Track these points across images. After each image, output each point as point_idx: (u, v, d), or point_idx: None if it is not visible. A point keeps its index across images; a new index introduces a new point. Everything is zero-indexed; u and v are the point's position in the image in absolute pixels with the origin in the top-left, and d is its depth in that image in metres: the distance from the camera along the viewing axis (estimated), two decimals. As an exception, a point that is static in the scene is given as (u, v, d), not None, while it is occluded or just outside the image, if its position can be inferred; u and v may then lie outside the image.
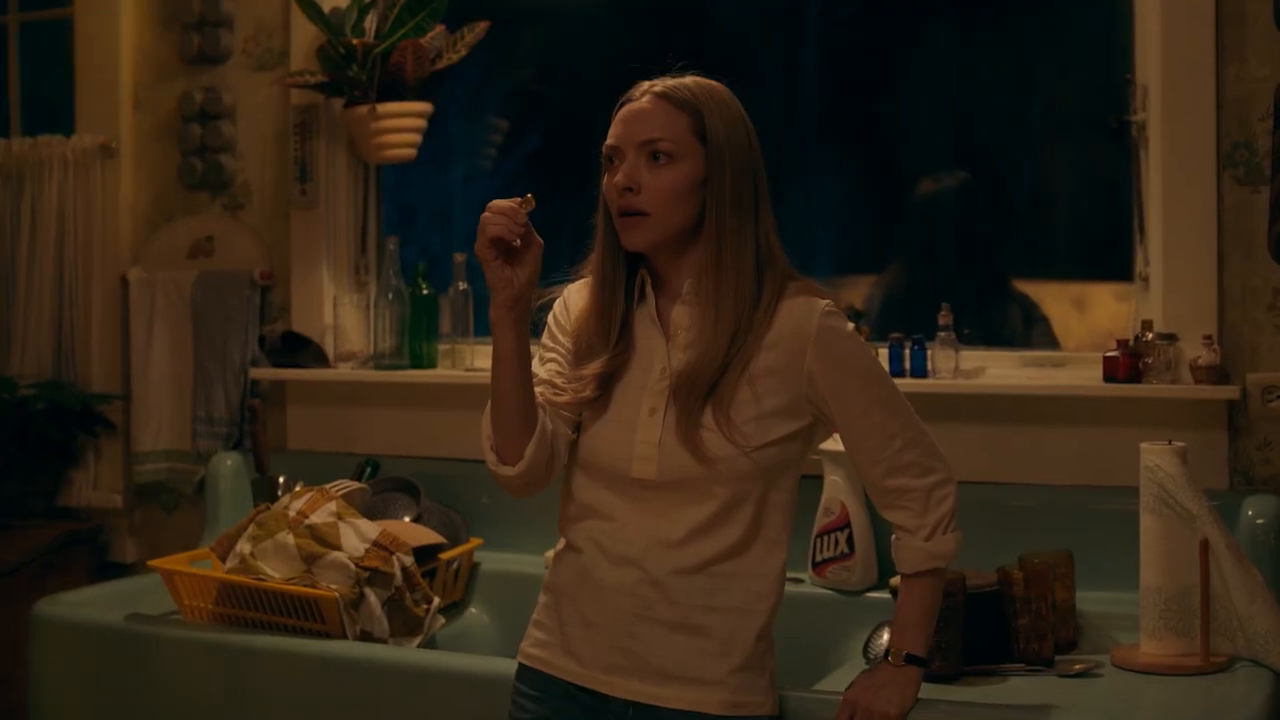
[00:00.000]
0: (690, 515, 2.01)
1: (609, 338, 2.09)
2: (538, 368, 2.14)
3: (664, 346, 2.06)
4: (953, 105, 3.33)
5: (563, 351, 2.16)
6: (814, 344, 2.00)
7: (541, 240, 2.01)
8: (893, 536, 2.10)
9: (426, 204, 3.89)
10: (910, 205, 3.37)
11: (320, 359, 3.62)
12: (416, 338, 3.52)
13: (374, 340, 3.57)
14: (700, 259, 2.04)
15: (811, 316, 2.01)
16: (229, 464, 3.60)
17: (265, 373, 3.68)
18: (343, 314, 3.65)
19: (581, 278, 2.18)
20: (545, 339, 2.20)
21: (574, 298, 2.18)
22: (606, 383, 2.09)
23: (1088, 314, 3.20)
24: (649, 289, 2.10)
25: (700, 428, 1.98)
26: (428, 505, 3.24)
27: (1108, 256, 3.12)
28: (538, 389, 2.09)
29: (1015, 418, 2.96)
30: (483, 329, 3.38)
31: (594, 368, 2.09)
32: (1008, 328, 3.27)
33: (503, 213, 1.97)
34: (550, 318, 2.20)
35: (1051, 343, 3.21)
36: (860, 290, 3.38)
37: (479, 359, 3.47)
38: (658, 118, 2.02)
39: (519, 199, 2.00)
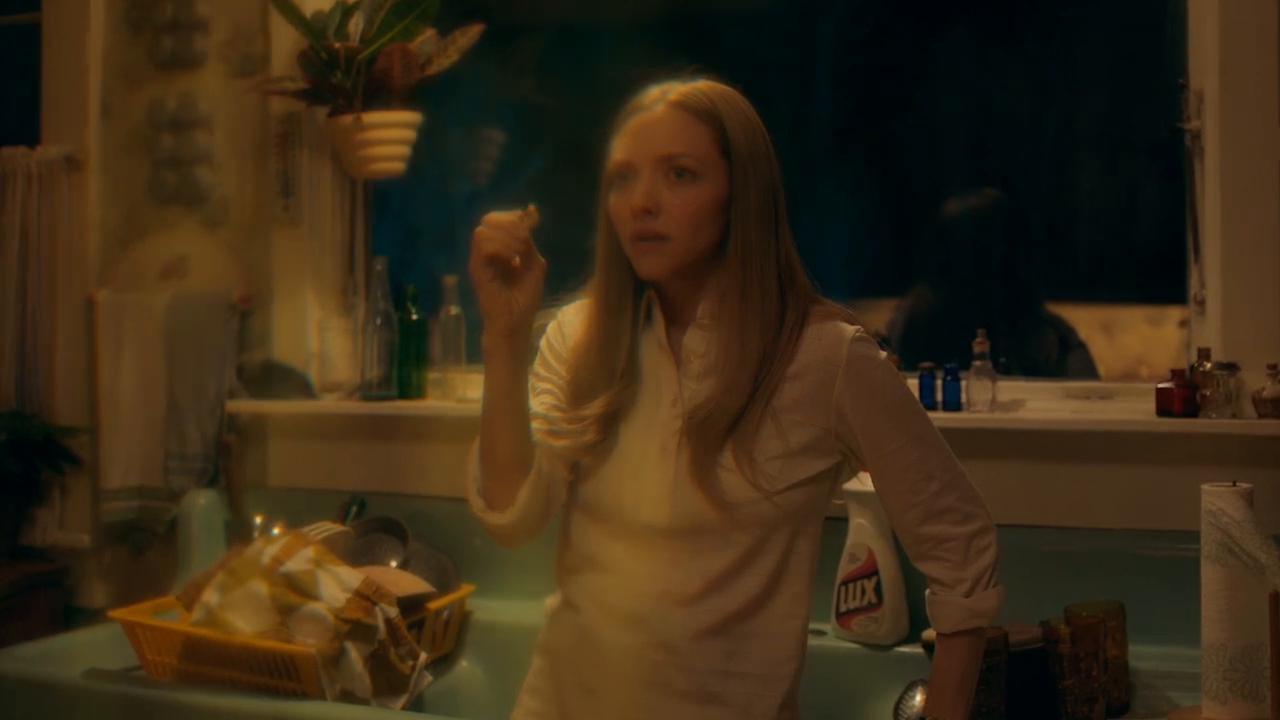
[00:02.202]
0: (707, 566, 1.94)
1: (613, 373, 2.01)
2: (530, 400, 2.05)
3: (675, 375, 2.00)
4: (971, 123, 3.34)
5: (558, 381, 2.08)
6: (844, 373, 1.94)
7: (544, 260, 1.93)
8: (928, 591, 2.04)
9: (431, 226, 3.91)
10: (932, 226, 3.36)
11: (303, 390, 3.59)
12: (405, 366, 3.49)
13: (361, 369, 3.53)
14: (720, 283, 1.98)
15: (841, 344, 1.95)
16: (203, 502, 3.55)
17: (243, 405, 3.65)
18: (328, 341, 3.62)
19: (576, 299, 2.12)
20: (538, 366, 2.11)
21: (570, 322, 2.11)
22: (611, 423, 2.01)
23: (1117, 339, 3.20)
24: (657, 311, 2.03)
25: (719, 468, 1.92)
26: (416, 548, 3.20)
27: (1138, 278, 3.14)
28: (532, 426, 2.02)
29: (1059, 455, 2.90)
30: (475, 355, 3.21)
31: (596, 407, 2.00)
32: (1042, 355, 3.24)
33: (500, 227, 1.89)
34: (543, 343, 2.12)
35: (1088, 371, 3.18)
36: (877, 314, 3.38)
37: (471, 389, 3.41)
38: (677, 130, 1.94)
39: (519, 211, 1.91)
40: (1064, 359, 3.22)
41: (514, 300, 1.91)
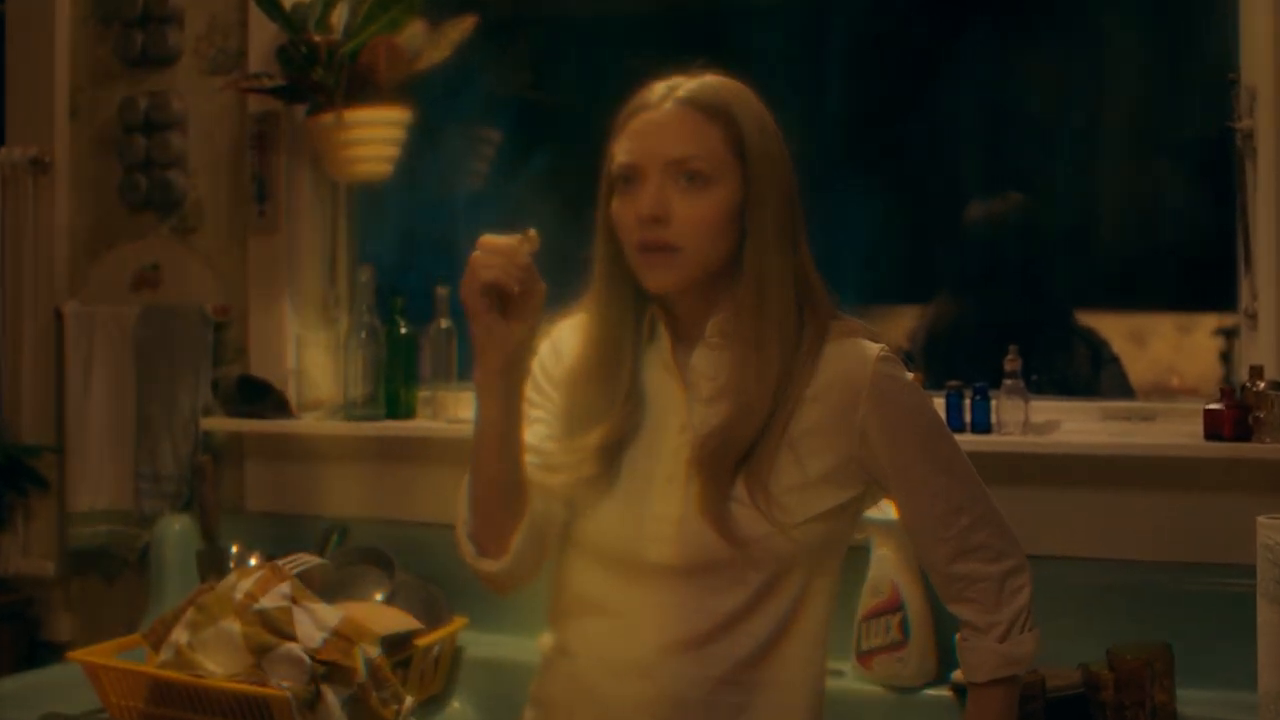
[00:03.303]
0: (716, 607, 1.89)
1: (613, 398, 1.95)
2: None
3: (682, 398, 1.95)
4: (990, 121, 3.32)
5: (551, 408, 2.02)
6: (868, 395, 1.90)
7: (544, 286, 1.85)
8: (958, 636, 2.01)
9: (427, 230, 3.86)
10: (953, 231, 3.32)
11: (282, 408, 3.52)
12: (393, 383, 3.42)
13: (344, 386, 3.47)
14: (732, 298, 1.93)
15: (864, 363, 1.91)
16: (177, 528, 3.51)
17: (219, 423, 3.60)
18: (308, 356, 3.59)
19: (572, 314, 2.07)
20: (530, 391, 2.03)
21: (565, 341, 2.05)
22: (612, 453, 1.94)
23: (1146, 348, 3.18)
24: (663, 328, 1.97)
25: (731, 501, 1.87)
26: (402, 580, 3.13)
27: (1168, 283, 3.12)
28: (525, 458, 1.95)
29: (1098, 481, 2.83)
30: (468, 373, 3.33)
31: (595, 437, 1.94)
32: (1073, 370, 3.21)
33: (499, 252, 1.80)
34: (535, 365, 2.05)
35: (1122, 387, 3.14)
36: (893, 322, 3.36)
37: (464, 408, 3.35)
38: (688, 130, 1.88)
39: (519, 235, 1.82)
40: (1097, 374, 3.18)
41: (511, 333, 1.83)
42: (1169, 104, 3.06)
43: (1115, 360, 3.15)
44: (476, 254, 1.80)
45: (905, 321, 3.35)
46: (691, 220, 1.86)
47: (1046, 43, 3.23)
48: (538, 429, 1.99)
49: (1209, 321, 3.03)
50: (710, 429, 1.88)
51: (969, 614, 1.96)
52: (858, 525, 2.04)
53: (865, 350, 1.92)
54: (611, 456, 1.93)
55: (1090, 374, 3.18)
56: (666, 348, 1.96)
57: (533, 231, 1.83)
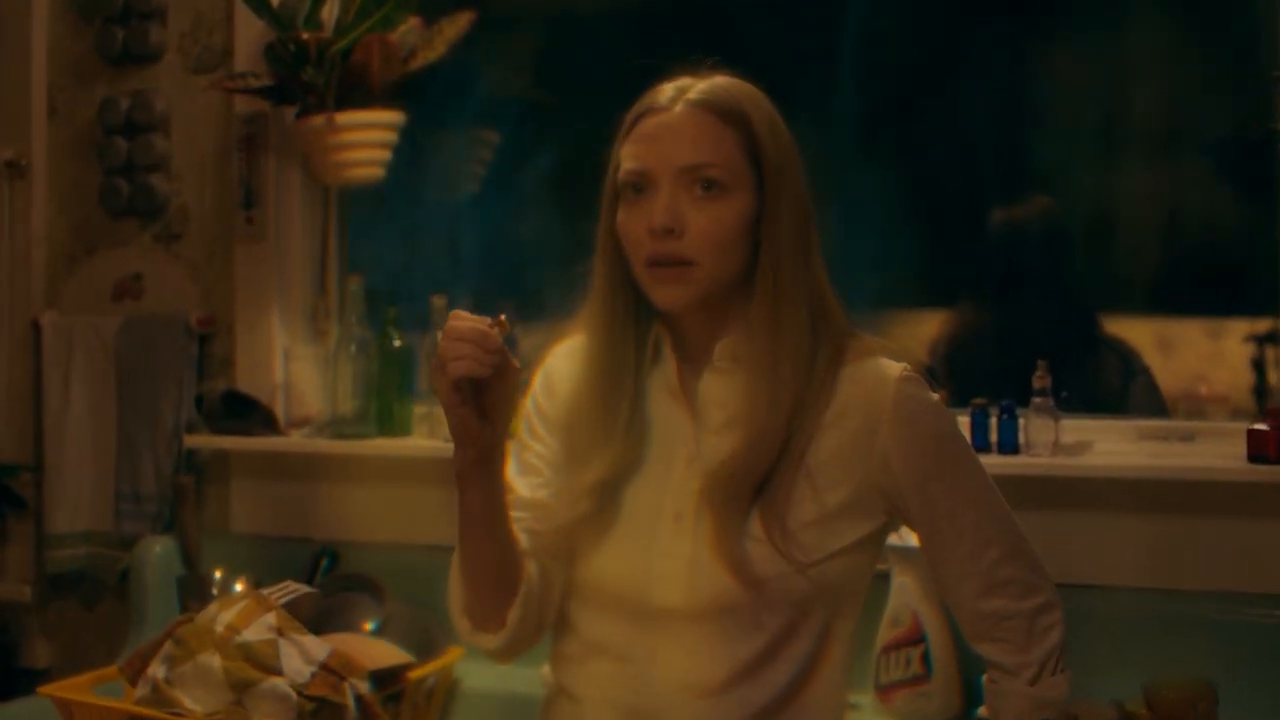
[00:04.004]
0: (732, 653, 1.84)
1: (613, 428, 1.90)
2: (514, 478, 1.96)
3: (690, 427, 1.89)
4: (1008, 119, 3.31)
5: (546, 454, 1.97)
6: (890, 419, 1.85)
7: (519, 367, 1.79)
8: (986, 678, 1.96)
9: (431, 230, 3.86)
10: (969, 232, 3.32)
11: (269, 424, 3.51)
12: (386, 398, 3.41)
13: (334, 401, 3.47)
14: (743, 316, 1.88)
15: (885, 384, 1.86)
16: (159, 550, 3.48)
17: (203, 440, 3.58)
18: (297, 369, 3.58)
19: (566, 338, 2.03)
20: (523, 434, 2.00)
21: (560, 372, 2.00)
22: (612, 489, 1.89)
23: (1173, 354, 3.15)
24: (668, 350, 1.92)
25: (745, 538, 1.82)
26: (394, 610, 3.11)
27: (1195, 288, 3.09)
28: (517, 516, 1.91)
29: (1134, 506, 2.80)
30: None
31: (594, 472, 1.88)
32: (1102, 384, 3.19)
33: (468, 339, 1.72)
34: (528, 405, 2.01)
35: (1154, 401, 3.11)
36: (907, 329, 3.36)
37: None
38: (701, 135, 1.84)
39: (490, 319, 1.75)
40: (1127, 387, 3.15)
41: (486, 429, 1.78)
42: (1198, 100, 3.04)
43: (1146, 372, 3.12)
44: (444, 343, 1.73)
45: (920, 327, 3.34)
46: (706, 232, 1.81)
47: (1069, 34, 3.22)
48: (531, 479, 1.95)
49: (1240, 327, 3.01)
50: (721, 460, 1.83)
51: (997, 654, 1.91)
52: (879, 559, 1.98)
53: (886, 370, 1.87)
54: (612, 493, 1.89)
55: (1120, 387, 3.15)
56: (672, 372, 1.91)
57: (504, 316, 1.76)
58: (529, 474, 1.96)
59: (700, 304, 1.85)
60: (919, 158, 3.35)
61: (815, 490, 1.83)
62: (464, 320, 1.72)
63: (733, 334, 1.87)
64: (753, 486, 1.82)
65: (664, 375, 1.91)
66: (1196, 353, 3.10)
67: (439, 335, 1.74)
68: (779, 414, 1.82)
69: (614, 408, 1.90)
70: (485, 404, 1.75)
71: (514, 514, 1.89)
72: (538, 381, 2.01)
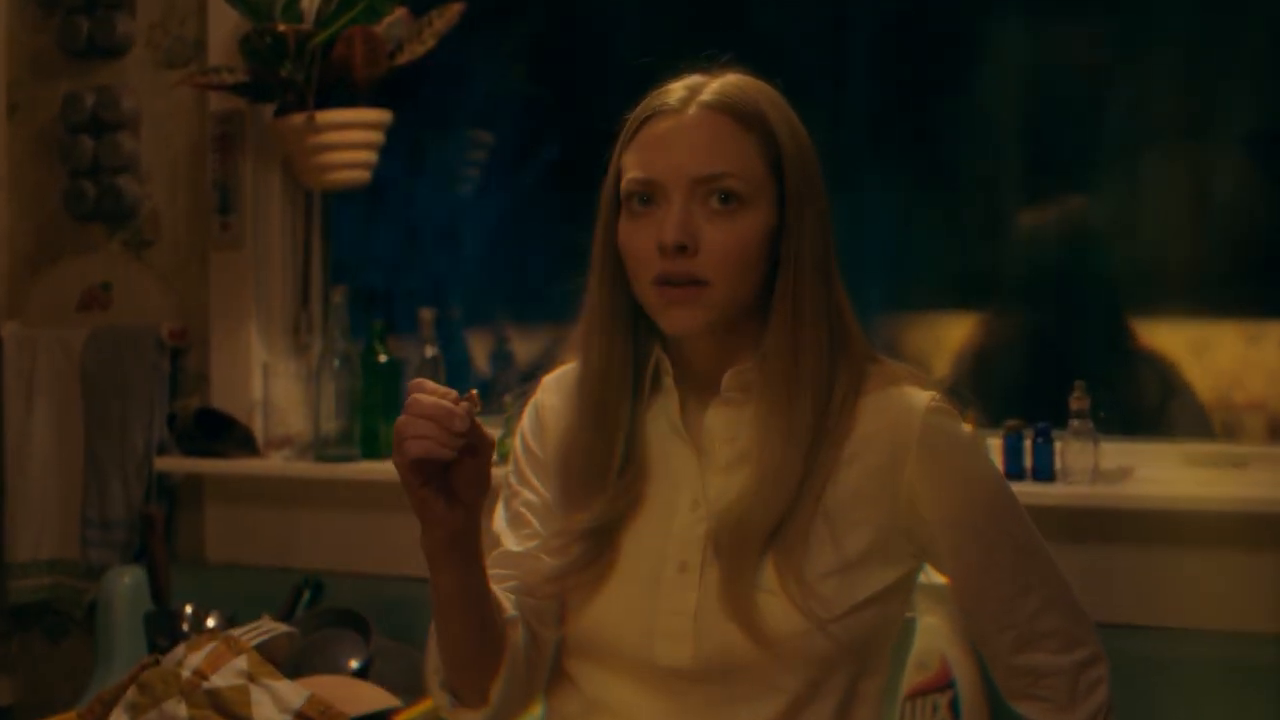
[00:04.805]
0: (745, 717, 1.78)
1: (608, 467, 1.83)
2: (501, 530, 1.91)
3: (694, 465, 1.83)
4: (1027, 109, 3.33)
5: (537, 502, 1.91)
6: (917, 454, 1.78)
7: (492, 440, 1.69)
8: None
9: (430, 223, 3.90)
10: (988, 229, 3.32)
11: (246, 445, 3.53)
12: (372, 418, 3.41)
13: (317, 421, 3.46)
14: (753, 343, 1.82)
15: (911, 415, 1.79)
16: (128, 581, 3.48)
17: (176, 462, 3.60)
18: (276, 386, 3.55)
19: (559, 366, 1.98)
20: (512, 477, 1.94)
21: (549, 405, 1.95)
22: (608, 536, 1.83)
23: (1210, 359, 3.13)
24: (669, 381, 1.85)
25: (757, 590, 1.75)
26: (381, 645, 3.06)
27: (1230, 289, 3.07)
28: (503, 574, 1.86)
29: (1181, 539, 2.78)
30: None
31: (586, 517, 1.82)
32: (1139, 400, 3.16)
33: (432, 417, 1.62)
34: (516, 446, 1.96)
35: (1197, 420, 3.09)
36: (922, 332, 3.39)
37: None
38: (718, 141, 1.77)
39: (460, 396, 1.65)
40: (1166, 405, 3.13)
41: (452, 514, 1.69)
42: (1224, 89, 3.05)
43: (1187, 387, 3.10)
44: (403, 419, 1.64)
45: (934, 332, 3.37)
46: (723, 249, 1.74)
47: (1092, 18, 3.22)
48: (520, 531, 1.90)
49: (1277, 330, 3.04)
50: (730, 502, 1.77)
51: (1037, 714, 1.85)
52: (909, 605, 1.93)
53: (912, 400, 1.80)
54: (608, 539, 1.83)
55: (1160, 404, 3.14)
56: (674, 404, 1.84)
57: (474, 392, 1.68)
58: (518, 525, 1.90)
59: (710, 328, 1.79)
60: (934, 149, 3.35)
61: (835, 535, 1.77)
62: (428, 395, 1.63)
63: (743, 361, 1.81)
64: (765, 532, 1.75)
65: (665, 407, 1.85)
66: (1232, 356, 3.08)
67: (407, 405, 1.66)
68: (795, 450, 1.76)
69: (609, 444, 1.84)
70: (453, 483, 1.67)
71: (498, 571, 1.83)
72: (526, 419, 1.95)
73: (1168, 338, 3.12)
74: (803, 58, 3.43)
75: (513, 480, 1.93)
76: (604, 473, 1.83)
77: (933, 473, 1.78)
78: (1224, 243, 3.10)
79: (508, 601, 1.82)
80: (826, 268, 1.80)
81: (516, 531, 1.89)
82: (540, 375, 1.99)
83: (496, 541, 1.87)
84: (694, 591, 1.77)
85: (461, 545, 1.71)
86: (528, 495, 1.91)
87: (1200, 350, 3.12)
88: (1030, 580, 1.82)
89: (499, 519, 1.91)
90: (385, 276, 3.77)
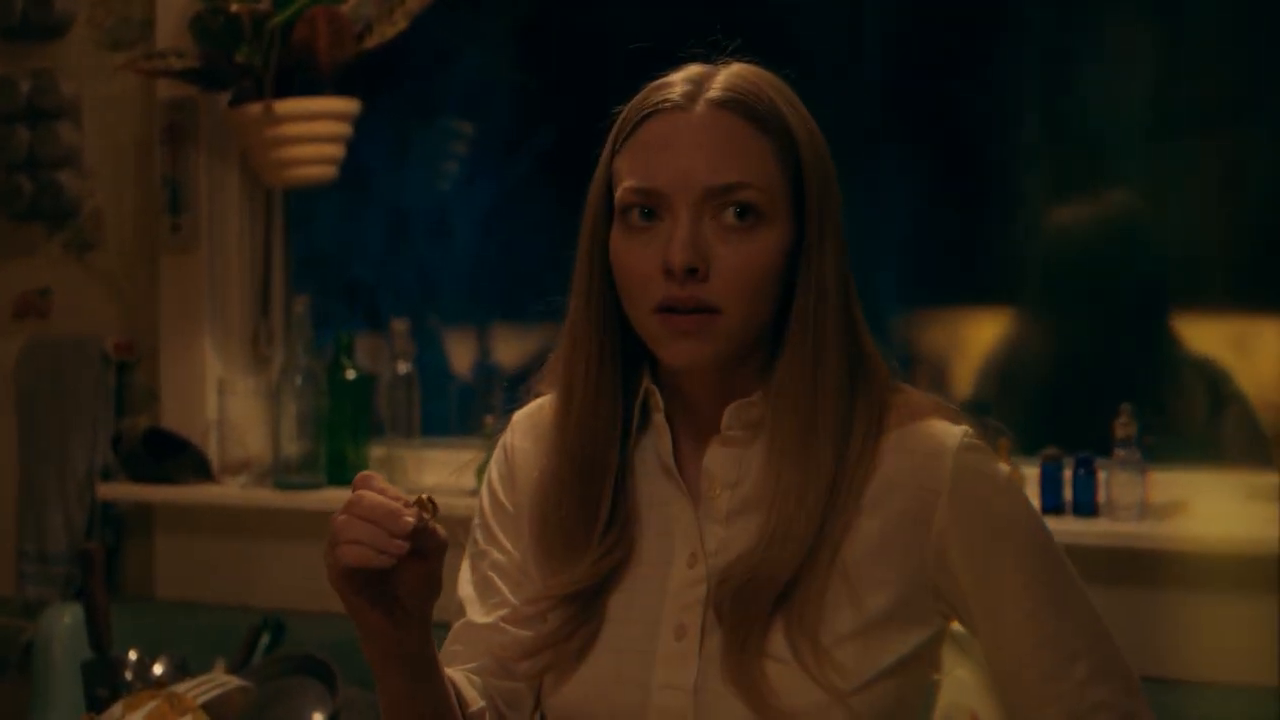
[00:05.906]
0: None
1: (592, 519, 1.73)
2: (468, 598, 1.82)
3: (691, 515, 1.73)
4: (1052, 85, 3.33)
5: (510, 568, 1.81)
6: (949, 501, 1.68)
7: (444, 541, 1.59)
8: None
9: (420, 213, 3.91)
10: (1010, 219, 3.33)
11: (200, 470, 3.52)
12: (338, 440, 3.43)
13: (277, 444, 3.47)
14: (759, 374, 1.72)
15: (941, 455, 1.69)
16: (68, 621, 3.44)
17: (122, 489, 3.60)
18: (233, 405, 3.54)
19: (535, 398, 1.88)
20: (480, 537, 1.84)
21: (521, 451, 1.85)
22: (593, 600, 1.74)
23: (1251, 356, 3.12)
24: (660, 419, 1.74)
25: (766, 659, 1.66)
26: (349, 696, 2.99)
27: (1274, 284, 3.07)
28: (466, 651, 1.78)
29: (1242, 582, 2.71)
30: (431, 427, 3.49)
31: (566, 579, 1.73)
32: (1188, 414, 3.14)
33: (372, 519, 1.52)
34: (484, 499, 1.86)
35: (1252, 438, 3.03)
36: (937, 330, 3.41)
37: (428, 471, 3.39)
38: (732, 145, 1.67)
39: (409, 501, 1.54)
40: (1216, 419, 3.12)
41: (396, 617, 1.60)
42: (1267, 65, 3.05)
43: (1239, 398, 3.08)
44: (342, 520, 1.54)
45: (957, 329, 3.39)
46: (737, 272, 1.64)
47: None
48: (488, 600, 1.80)
49: None
50: (734, 558, 1.67)
51: None
52: (936, 667, 1.82)
53: (941, 437, 1.71)
54: (593, 602, 1.74)
55: (1209, 418, 3.12)
56: (666, 444, 1.75)
57: (427, 496, 1.57)
58: (486, 594, 1.81)
59: (717, 360, 1.70)
60: (952, 130, 3.38)
61: (853, 594, 1.67)
62: (371, 494, 1.53)
63: (746, 393, 1.72)
64: (775, 592, 1.66)
65: (655, 448, 1.75)
66: (1272, 356, 3.08)
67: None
68: (811, 497, 1.66)
69: (595, 494, 1.74)
70: (397, 590, 1.58)
71: (461, 648, 1.75)
72: (494, 466, 1.85)
73: (1205, 334, 3.13)
74: (813, 30, 3.45)
75: (479, 538, 1.85)
76: (589, 528, 1.74)
77: (966, 522, 1.69)
78: (1264, 232, 3.10)
79: (472, 689, 1.73)
80: (846, 289, 1.71)
81: (484, 601, 1.80)
82: (532, 383, 1.88)
83: (461, 610, 1.78)
84: (693, 662, 1.69)
85: (406, 658, 1.64)
86: (496, 555, 1.82)
87: (1241, 346, 3.13)
88: (1077, 646, 1.71)
89: (464, 582, 1.82)
90: (367, 271, 3.81)
